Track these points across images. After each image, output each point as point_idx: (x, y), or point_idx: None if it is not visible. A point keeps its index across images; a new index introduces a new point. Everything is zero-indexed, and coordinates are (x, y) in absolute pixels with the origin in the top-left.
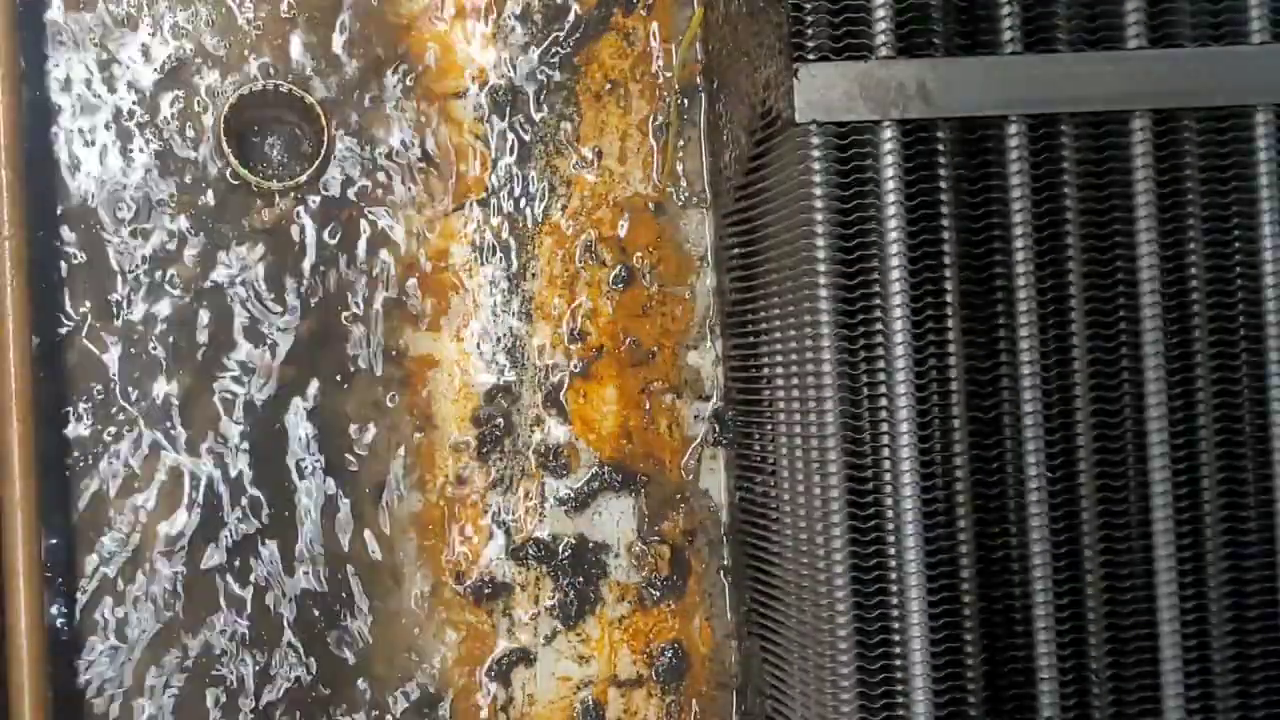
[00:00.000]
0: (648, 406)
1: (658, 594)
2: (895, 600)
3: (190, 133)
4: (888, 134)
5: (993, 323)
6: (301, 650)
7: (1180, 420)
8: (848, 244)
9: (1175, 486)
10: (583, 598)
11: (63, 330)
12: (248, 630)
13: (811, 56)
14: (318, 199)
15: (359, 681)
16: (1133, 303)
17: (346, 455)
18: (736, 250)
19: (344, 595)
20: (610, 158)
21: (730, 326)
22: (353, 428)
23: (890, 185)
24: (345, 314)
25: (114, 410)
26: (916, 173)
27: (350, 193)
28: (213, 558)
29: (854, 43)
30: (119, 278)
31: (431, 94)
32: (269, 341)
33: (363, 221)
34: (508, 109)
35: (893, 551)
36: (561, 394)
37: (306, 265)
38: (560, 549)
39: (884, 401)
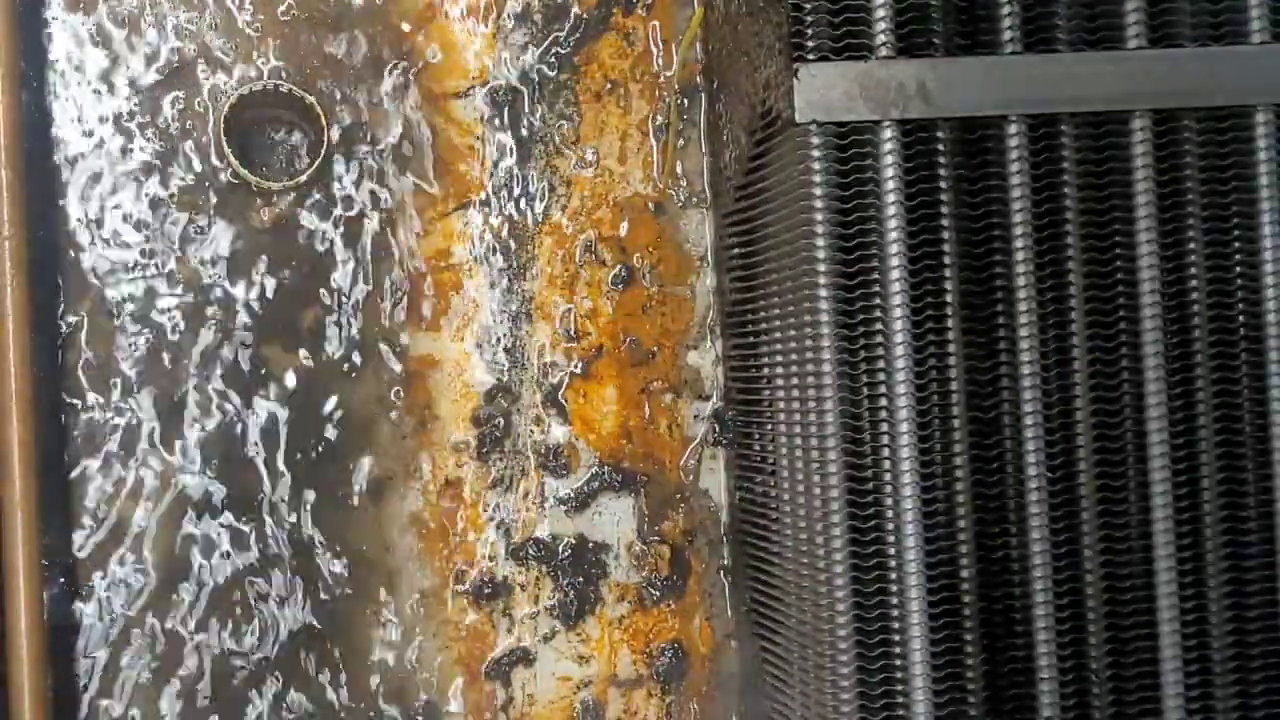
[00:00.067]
0: (647, 406)
1: (658, 594)
2: (895, 600)
3: (191, 133)
4: (888, 134)
5: (993, 323)
6: (302, 650)
7: (1180, 420)
8: (848, 244)
9: (1175, 486)
10: (583, 598)
11: (63, 330)
12: (248, 629)
13: (811, 56)
14: (318, 199)
15: (360, 681)
16: (1133, 303)
17: (346, 455)
18: (736, 250)
19: (345, 595)
20: (610, 158)
21: (730, 326)
22: (353, 428)
23: (890, 185)
24: (345, 314)
25: (114, 410)
26: (916, 173)
27: (350, 193)
28: (213, 557)
29: (854, 43)
30: (119, 277)
31: (432, 94)
32: (269, 341)
33: (363, 221)
34: (508, 109)
35: (893, 551)
36: (561, 394)
37: (307, 265)
38: (560, 549)
39: (884, 401)
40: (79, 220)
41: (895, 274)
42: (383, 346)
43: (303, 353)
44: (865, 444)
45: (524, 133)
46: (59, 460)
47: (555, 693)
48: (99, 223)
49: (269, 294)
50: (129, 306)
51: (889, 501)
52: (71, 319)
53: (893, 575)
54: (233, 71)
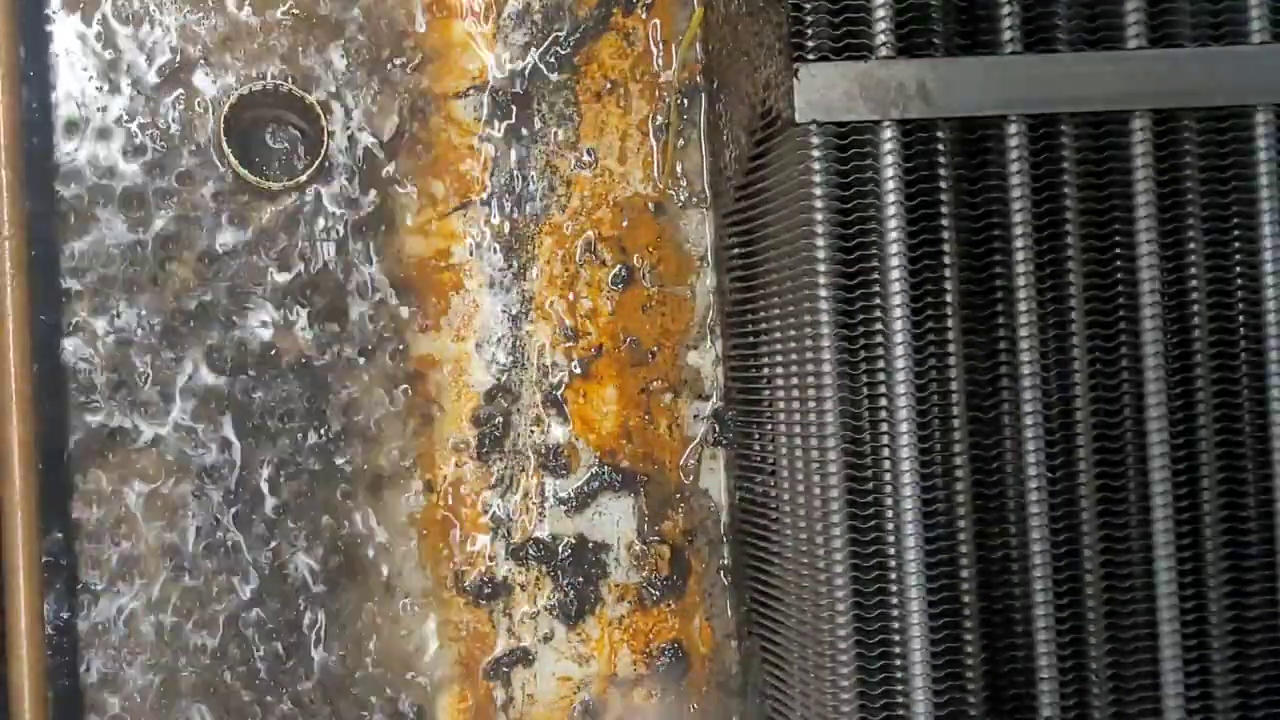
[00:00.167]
0: (647, 406)
1: (658, 594)
2: (895, 600)
3: (191, 132)
4: (888, 134)
5: (993, 323)
6: (301, 650)
7: (1180, 420)
8: (848, 244)
9: (1175, 487)
10: (582, 597)
11: (63, 330)
12: (248, 629)
13: (811, 56)
14: (318, 199)
15: (359, 681)
16: (1133, 303)
17: (346, 455)
18: (736, 250)
19: (343, 595)
20: (610, 158)
21: (730, 326)
22: (353, 427)
23: (890, 185)
24: (345, 314)
25: (114, 409)
26: (916, 173)
27: (350, 193)
28: (213, 558)
29: (854, 43)
30: (120, 277)
31: (432, 94)
32: (269, 341)
33: (362, 221)
34: (508, 109)
35: (893, 551)
36: (561, 394)
37: (307, 265)
38: (560, 549)
39: (884, 401)
40: (79, 220)
41: (895, 274)
42: (382, 347)
43: (303, 353)
44: (865, 444)
45: (524, 133)
46: (59, 460)
47: (555, 693)
48: (99, 223)
49: (269, 293)
50: (129, 306)
51: (889, 501)
52: (71, 319)
53: (893, 575)
54: (233, 72)
